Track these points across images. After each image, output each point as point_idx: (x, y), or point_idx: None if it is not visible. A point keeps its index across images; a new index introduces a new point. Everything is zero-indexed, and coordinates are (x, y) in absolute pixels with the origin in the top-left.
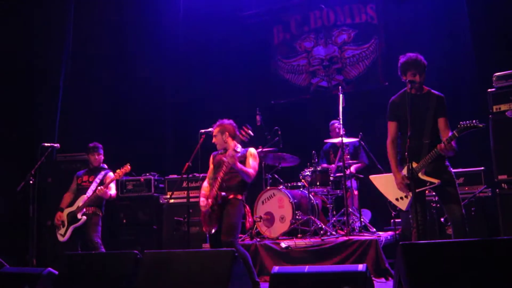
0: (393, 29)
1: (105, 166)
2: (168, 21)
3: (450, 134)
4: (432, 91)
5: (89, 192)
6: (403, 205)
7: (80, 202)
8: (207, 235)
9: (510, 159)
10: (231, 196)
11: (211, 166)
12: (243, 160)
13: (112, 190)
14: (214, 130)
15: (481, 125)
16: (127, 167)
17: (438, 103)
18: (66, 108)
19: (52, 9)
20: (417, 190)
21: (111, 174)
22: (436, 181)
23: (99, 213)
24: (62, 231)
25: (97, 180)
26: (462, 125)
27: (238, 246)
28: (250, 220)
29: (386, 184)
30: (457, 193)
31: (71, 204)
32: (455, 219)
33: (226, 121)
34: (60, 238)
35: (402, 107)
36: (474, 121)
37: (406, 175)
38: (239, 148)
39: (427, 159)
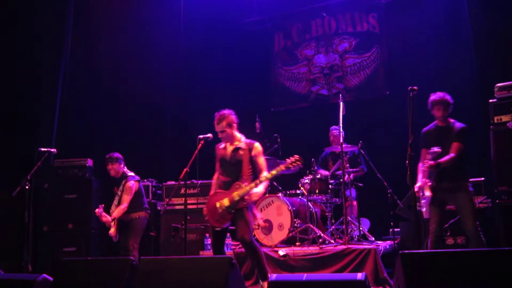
0: (394, 38)
1: (128, 173)
2: (169, 26)
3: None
4: (456, 123)
5: (113, 207)
6: (425, 212)
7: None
8: (207, 239)
9: (510, 170)
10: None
11: (217, 162)
12: (248, 156)
13: (116, 211)
14: (221, 124)
15: None
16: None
17: (459, 131)
18: (64, 113)
19: (51, 14)
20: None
21: (129, 183)
22: (429, 193)
23: (138, 216)
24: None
25: (119, 192)
26: None
27: (255, 242)
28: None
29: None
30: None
31: None
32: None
33: (227, 112)
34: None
35: (430, 136)
36: None
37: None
38: (243, 143)
39: (430, 166)
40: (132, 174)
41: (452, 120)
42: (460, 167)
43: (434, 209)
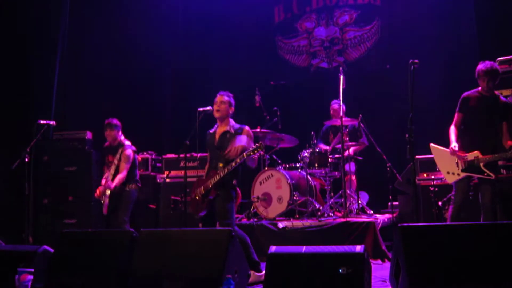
0: (395, 11)
1: (124, 142)
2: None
3: None
4: (501, 97)
5: (109, 177)
6: (450, 179)
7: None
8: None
9: None
10: (225, 181)
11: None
12: (234, 139)
13: (116, 180)
14: (224, 98)
15: None
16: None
17: (504, 108)
18: (63, 86)
19: None
20: (470, 174)
21: (127, 152)
22: (492, 175)
23: (128, 189)
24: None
25: (116, 161)
26: None
27: (235, 227)
28: (237, 203)
29: (442, 157)
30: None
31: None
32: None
33: (231, 95)
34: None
35: (470, 103)
36: None
37: (469, 159)
38: (231, 128)
39: (496, 156)
40: (128, 143)
41: (496, 92)
42: (498, 141)
43: (465, 180)
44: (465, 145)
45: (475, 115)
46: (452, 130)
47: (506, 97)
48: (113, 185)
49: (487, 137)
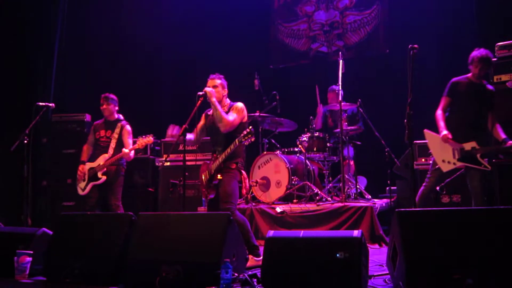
0: None
1: (121, 117)
2: None
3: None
4: (487, 85)
5: (110, 151)
6: (445, 167)
7: (101, 160)
8: (203, 199)
9: (508, 129)
10: (227, 165)
11: (202, 122)
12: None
13: (133, 152)
14: (216, 81)
15: None
16: (150, 139)
17: (491, 97)
18: (62, 68)
19: None
20: (468, 165)
21: (128, 127)
22: (489, 167)
23: (121, 170)
24: (82, 185)
25: (115, 135)
26: None
27: (236, 211)
28: (246, 186)
29: (436, 144)
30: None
31: (93, 158)
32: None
33: (222, 76)
34: (80, 192)
35: (460, 89)
36: None
37: (466, 149)
38: (226, 107)
39: (493, 149)
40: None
41: (484, 81)
42: (485, 129)
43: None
44: (458, 134)
45: (464, 101)
46: (440, 115)
47: (505, 82)
48: (131, 154)
49: (480, 126)
